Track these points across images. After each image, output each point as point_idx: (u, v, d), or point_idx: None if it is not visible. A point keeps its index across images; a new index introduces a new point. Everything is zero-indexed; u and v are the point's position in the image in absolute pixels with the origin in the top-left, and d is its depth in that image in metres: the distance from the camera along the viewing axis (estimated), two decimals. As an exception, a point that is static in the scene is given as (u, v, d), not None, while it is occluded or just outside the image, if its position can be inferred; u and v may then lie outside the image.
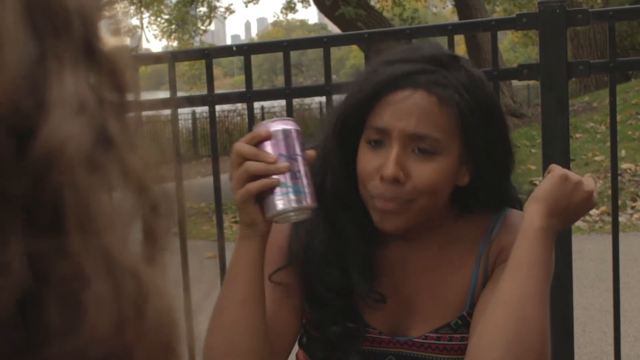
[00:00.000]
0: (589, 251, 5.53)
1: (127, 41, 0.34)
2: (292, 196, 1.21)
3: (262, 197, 1.22)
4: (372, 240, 1.36)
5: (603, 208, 7.22)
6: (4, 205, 0.27)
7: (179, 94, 2.54)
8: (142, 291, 0.30)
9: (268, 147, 1.23)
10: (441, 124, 1.24)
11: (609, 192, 7.20)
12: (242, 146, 1.23)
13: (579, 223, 6.88)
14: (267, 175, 1.21)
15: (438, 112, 1.24)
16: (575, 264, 2.21)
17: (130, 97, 0.32)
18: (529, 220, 1.25)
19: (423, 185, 1.25)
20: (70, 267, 0.28)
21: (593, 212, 7.25)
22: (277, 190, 1.21)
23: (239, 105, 16.98)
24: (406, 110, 1.24)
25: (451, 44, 2.26)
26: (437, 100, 1.24)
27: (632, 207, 7.32)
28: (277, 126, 1.24)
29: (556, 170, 1.29)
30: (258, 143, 1.22)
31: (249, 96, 2.39)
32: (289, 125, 1.25)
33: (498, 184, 1.35)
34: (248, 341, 1.25)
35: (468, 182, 1.32)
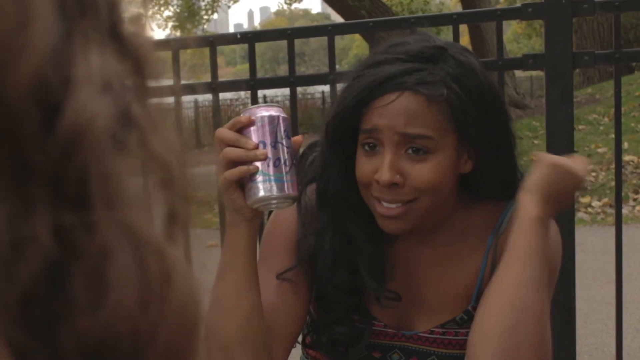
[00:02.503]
0: (591, 243, 5.53)
1: (150, 28, 0.34)
2: (273, 184, 1.20)
3: (244, 183, 1.21)
4: (380, 239, 1.34)
5: (605, 200, 7.22)
6: (30, 177, 0.27)
7: (182, 82, 2.53)
8: (166, 270, 0.31)
9: (251, 133, 1.21)
10: (432, 122, 1.22)
11: (612, 184, 7.20)
12: (222, 132, 1.23)
13: (582, 215, 6.88)
14: (246, 162, 1.20)
15: (427, 111, 1.21)
16: (577, 256, 2.20)
17: (152, 82, 0.33)
18: (524, 210, 1.24)
19: (422, 185, 1.24)
20: (96, 242, 0.28)
21: (595, 204, 7.25)
22: (259, 177, 1.20)
23: (242, 94, 17.00)
24: (394, 112, 1.21)
25: (456, 34, 2.25)
26: (425, 100, 1.21)
27: (635, 199, 7.32)
28: (261, 112, 1.22)
29: (545, 158, 1.28)
30: (241, 129, 1.22)
31: (252, 84, 2.38)
32: (273, 111, 1.23)
33: (503, 168, 1.33)
34: (244, 328, 1.25)
35: (472, 169, 1.30)
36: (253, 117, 1.22)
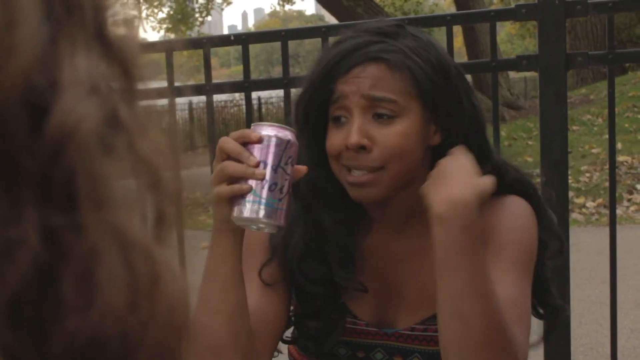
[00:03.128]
0: (585, 244, 5.53)
1: (137, 31, 0.35)
2: (262, 207, 1.17)
3: (234, 197, 1.19)
4: (352, 230, 1.35)
5: (600, 200, 7.24)
6: (19, 180, 0.27)
7: (175, 84, 2.53)
8: (155, 271, 0.31)
9: (255, 149, 1.18)
10: (395, 87, 1.26)
11: (606, 184, 7.21)
12: (226, 142, 1.20)
13: (576, 215, 6.89)
14: (243, 179, 1.18)
15: (390, 77, 1.26)
16: (571, 256, 2.21)
17: (139, 84, 0.33)
18: (436, 218, 1.18)
19: (389, 149, 1.25)
20: (84, 243, 0.28)
21: (589, 204, 7.27)
22: (250, 196, 1.17)
23: (237, 96, 16.96)
24: (359, 79, 1.26)
25: (449, 35, 2.25)
26: (387, 67, 1.26)
27: (629, 200, 7.34)
28: (272, 132, 1.19)
29: (433, 172, 1.24)
30: (246, 143, 1.19)
31: (246, 85, 2.38)
32: (284, 134, 1.19)
33: (471, 146, 1.28)
34: (228, 335, 1.24)
35: (441, 142, 1.30)
36: (262, 134, 1.18)
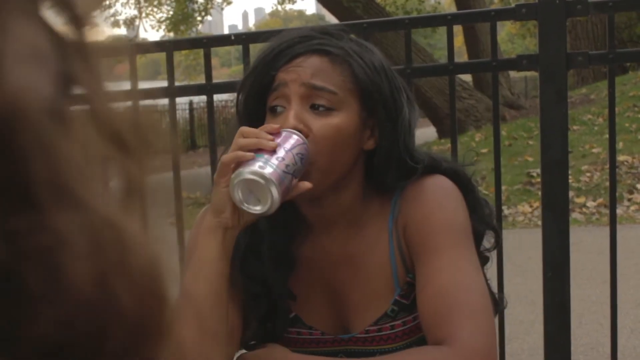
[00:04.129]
0: (585, 243, 5.53)
1: None
2: (268, 167, 1.18)
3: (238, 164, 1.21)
4: (287, 232, 1.35)
5: (600, 200, 7.23)
6: None
7: (176, 84, 2.52)
8: (122, 241, 0.30)
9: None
10: (336, 80, 1.28)
11: (606, 184, 7.20)
12: (245, 128, 1.25)
13: (576, 215, 6.89)
14: (254, 150, 1.20)
15: (331, 69, 1.28)
16: (572, 256, 2.21)
17: (89, 32, 0.31)
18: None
19: (323, 139, 1.25)
20: (45, 235, 0.27)
21: (590, 204, 7.26)
22: (258, 160, 1.19)
23: (237, 96, 16.90)
24: (300, 68, 1.28)
25: (450, 34, 2.26)
26: (329, 60, 1.28)
27: (629, 200, 7.33)
28: (291, 131, 1.24)
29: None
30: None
31: (246, 86, 2.38)
32: (301, 139, 1.24)
33: (399, 151, 1.32)
34: (217, 292, 1.24)
35: (374, 147, 1.32)
36: (282, 129, 1.23)
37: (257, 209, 1.20)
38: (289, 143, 1.21)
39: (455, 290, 1.24)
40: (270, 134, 1.22)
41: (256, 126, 1.27)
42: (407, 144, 1.32)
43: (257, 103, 1.32)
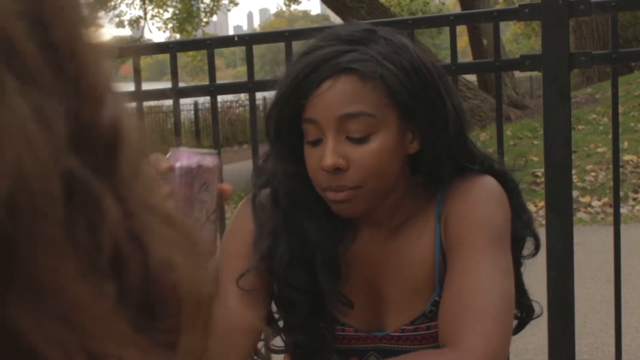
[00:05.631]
0: (590, 243, 5.53)
1: None
2: None
3: None
4: (336, 238, 1.33)
5: (605, 199, 7.22)
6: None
7: (180, 84, 2.53)
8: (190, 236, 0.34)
9: (173, 180, 1.07)
10: (370, 99, 1.22)
11: (611, 183, 7.15)
12: None
13: (581, 214, 6.88)
14: None
15: (363, 89, 1.21)
16: (576, 256, 2.21)
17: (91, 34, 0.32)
18: None
19: (366, 167, 1.23)
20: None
21: (595, 203, 7.26)
22: None
23: (242, 96, 16.97)
24: (331, 98, 1.21)
25: (453, 35, 2.26)
26: (359, 78, 1.21)
27: (634, 199, 7.32)
28: (180, 162, 1.07)
29: None
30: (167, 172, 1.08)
31: (250, 86, 2.39)
32: (190, 162, 1.07)
33: (451, 148, 1.30)
34: None
35: (419, 149, 1.29)
36: (174, 164, 1.07)
37: None
38: (180, 187, 1.07)
39: (474, 292, 1.21)
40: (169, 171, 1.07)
41: (293, 148, 1.27)
42: (455, 142, 1.29)
43: (290, 127, 1.27)
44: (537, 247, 1.43)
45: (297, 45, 1.35)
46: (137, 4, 20.98)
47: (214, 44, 2.43)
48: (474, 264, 1.24)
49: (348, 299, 1.34)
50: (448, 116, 1.27)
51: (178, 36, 20.22)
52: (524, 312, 1.43)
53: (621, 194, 7.02)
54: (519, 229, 1.36)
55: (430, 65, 1.28)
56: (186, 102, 15.75)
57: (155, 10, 20.60)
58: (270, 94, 1.39)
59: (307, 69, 1.22)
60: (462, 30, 15.00)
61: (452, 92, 1.30)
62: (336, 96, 1.21)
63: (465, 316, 1.20)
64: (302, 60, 1.25)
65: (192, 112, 17.67)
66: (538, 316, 1.45)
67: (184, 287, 0.32)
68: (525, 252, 1.42)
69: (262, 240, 1.33)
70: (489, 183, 1.32)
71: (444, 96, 1.27)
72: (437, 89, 1.26)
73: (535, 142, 9.38)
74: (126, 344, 0.29)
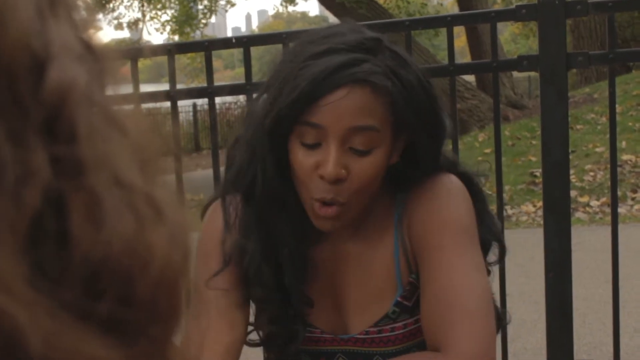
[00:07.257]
0: (589, 242, 5.53)
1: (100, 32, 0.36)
2: None
3: None
4: (305, 239, 1.32)
5: (603, 199, 7.22)
6: (27, 124, 0.30)
7: (179, 86, 2.54)
8: (156, 204, 0.33)
9: None
10: (378, 112, 1.21)
11: (609, 183, 7.14)
12: None
13: (580, 214, 6.89)
14: None
15: (374, 102, 1.20)
16: (575, 255, 2.21)
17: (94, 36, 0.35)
18: None
19: (362, 180, 1.22)
20: (87, 180, 0.31)
21: (593, 203, 7.26)
22: None
23: (241, 98, 16.94)
24: (344, 107, 1.19)
25: (450, 36, 2.27)
26: (372, 91, 1.20)
27: (633, 199, 7.33)
28: None
29: None
30: None
31: (248, 88, 2.39)
32: None
33: (426, 159, 1.31)
34: None
35: (398, 159, 1.30)
36: None
37: None
38: None
39: (453, 292, 1.22)
40: None
41: (280, 147, 1.24)
42: (436, 154, 1.31)
43: (288, 125, 1.23)
44: (502, 254, 1.43)
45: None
46: (135, 7, 21.00)
47: (211, 46, 2.43)
48: (448, 262, 1.24)
49: (309, 297, 1.33)
50: (440, 127, 1.29)
51: (177, 38, 20.21)
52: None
53: (619, 193, 7.03)
54: (483, 232, 1.35)
55: (424, 76, 1.28)
56: (184, 104, 15.74)
57: (154, 12, 20.59)
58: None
59: (323, 74, 1.19)
60: (460, 30, 15.01)
61: (442, 104, 1.31)
62: (349, 107, 1.19)
63: (448, 317, 1.20)
64: (314, 65, 1.20)
65: (191, 113, 17.69)
66: (506, 324, 1.45)
67: (148, 267, 0.32)
68: (492, 258, 1.41)
69: (231, 241, 1.32)
70: (452, 181, 1.33)
71: (440, 107, 1.28)
72: (435, 100, 1.27)
73: (534, 142, 9.39)
74: (20, 302, 0.28)
